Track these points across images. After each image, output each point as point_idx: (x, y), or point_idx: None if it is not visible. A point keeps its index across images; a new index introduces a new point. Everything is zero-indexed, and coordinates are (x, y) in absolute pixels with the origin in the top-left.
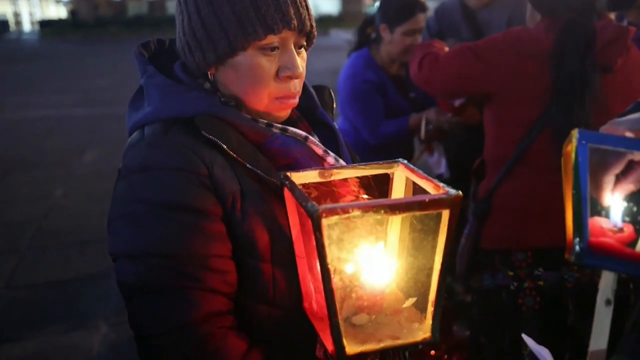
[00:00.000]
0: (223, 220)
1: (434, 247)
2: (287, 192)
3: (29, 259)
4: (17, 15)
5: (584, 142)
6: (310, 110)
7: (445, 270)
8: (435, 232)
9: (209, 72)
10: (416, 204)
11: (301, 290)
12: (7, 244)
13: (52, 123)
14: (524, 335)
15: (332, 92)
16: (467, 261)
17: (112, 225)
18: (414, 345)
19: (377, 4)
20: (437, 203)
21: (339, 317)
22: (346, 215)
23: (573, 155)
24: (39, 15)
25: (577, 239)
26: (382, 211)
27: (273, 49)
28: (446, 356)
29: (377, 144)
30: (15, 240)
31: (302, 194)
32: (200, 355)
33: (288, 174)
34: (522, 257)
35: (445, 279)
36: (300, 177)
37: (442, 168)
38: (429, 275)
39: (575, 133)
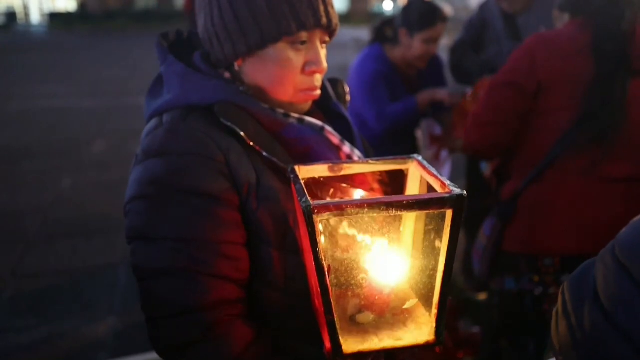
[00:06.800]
0: (239, 207)
1: (439, 247)
2: (292, 185)
3: (36, 248)
4: (25, 7)
5: None
6: (324, 101)
7: (449, 271)
8: (440, 232)
9: (235, 63)
10: (415, 203)
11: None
12: (14, 233)
13: (59, 114)
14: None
15: (344, 85)
16: (489, 262)
17: (127, 208)
18: (416, 347)
19: (385, 3)
20: (438, 202)
21: (335, 315)
22: (340, 212)
23: None
24: (48, 8)
25: None
26: (379, 209)
27: (302, 42)
28: (452, 352)
29: (384, 129)
30: (22, 230)
31: (302, 188)
32: (207, 341)
33: (296, 167)
34: (550, 263)
35: (450, 281)
36: (309, 171)
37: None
38: (432, 277)
39: None
